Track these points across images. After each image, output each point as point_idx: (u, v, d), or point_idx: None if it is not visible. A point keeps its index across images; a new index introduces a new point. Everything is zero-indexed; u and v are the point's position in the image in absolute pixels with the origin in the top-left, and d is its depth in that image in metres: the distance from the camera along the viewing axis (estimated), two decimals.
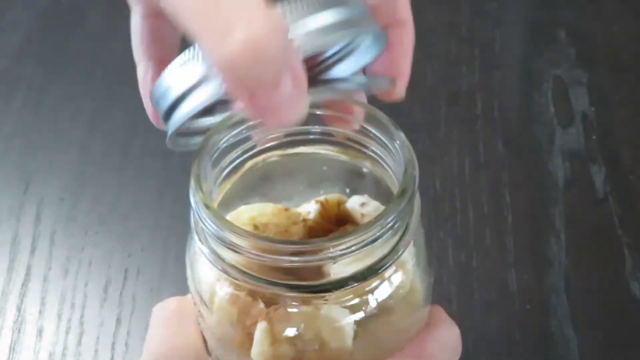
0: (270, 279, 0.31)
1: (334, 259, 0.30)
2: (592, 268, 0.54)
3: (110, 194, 0.60)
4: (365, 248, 0.30)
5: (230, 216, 0.37)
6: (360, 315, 0.33)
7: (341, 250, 0.30)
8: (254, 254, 0.30)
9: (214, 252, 0.32)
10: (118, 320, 0.52)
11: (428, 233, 0.56)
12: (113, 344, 0.51)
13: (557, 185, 0.58)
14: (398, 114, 0.65)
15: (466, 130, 0.62)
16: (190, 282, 0.36)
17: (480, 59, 0.68)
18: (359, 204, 0.37)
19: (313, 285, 0.31)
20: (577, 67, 0.66)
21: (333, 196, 0.38)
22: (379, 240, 0.31)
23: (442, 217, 0.57)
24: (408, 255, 0.34)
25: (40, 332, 0.52)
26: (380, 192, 0.37)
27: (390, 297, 0.33)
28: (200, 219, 0.31)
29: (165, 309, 0.37)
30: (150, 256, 0.56)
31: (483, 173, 0.59)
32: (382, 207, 0.37)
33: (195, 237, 0.33)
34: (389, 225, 0.31)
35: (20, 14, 0.70)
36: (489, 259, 0.54)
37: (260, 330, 0.32)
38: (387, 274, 0.33)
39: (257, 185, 0.37)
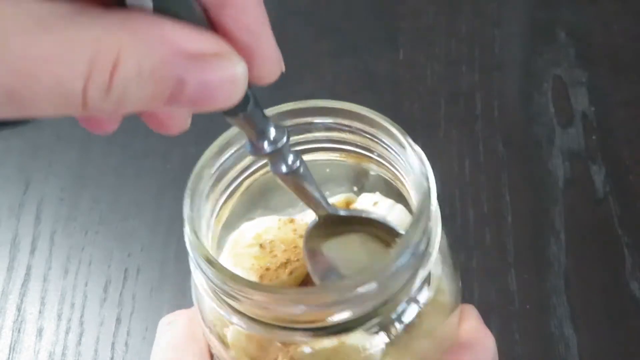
0: (283, 325, 0.29)
1: (350, 303, 0.28)
2: (592, 268, 0.54)
3: (110, 194, 0.60)
4: (385, 287, 0.28)
5: (233, 238, 0.35)
6: (386, 339, 0.31)
7: (358, 294, 0.27)
8: (262, 306, 0.28)
9: (220, 299, 0.29)
10: (118, 320, 0.52)
11: None
12: (113, 343, 0.51)
13: (557, 185, 0.58)
14: (398, 113, 0.65)
15: (466, 130, 0.62)
16: (198, 316, 0.33)
17: (480, 59, 0.68)
18: (372, 204, 0.35)
19: (330, 327, 0.28)
20: (576, 67, 0.66)
21: (340, 197, 0.36)
22: (399, 277, 0.28)
23: (442, 217, 0.56)
24: (434, 267, 0.32)
25: (40, 332, 0.52)
26: (391, 189, 0.35)
27: (417, 314, 0.31)
28: (203, 272, 0.29)
29: (174, 328, 0.34)
30: (150, 256, 0.56)
31: (483, 173, 0.59)
32: (396, 205, 0.35)
33: (197, 283, 0.30)
34: (407, 260, 0.28)
35: None
36: (489, 259, 0.54)
37: None
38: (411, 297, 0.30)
39: (256, 199, 0.35)
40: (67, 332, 0.52)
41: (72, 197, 0.60)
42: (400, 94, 0.65)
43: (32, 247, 0.57)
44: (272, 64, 0.24)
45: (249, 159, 0.33)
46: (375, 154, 0.34)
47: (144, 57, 0.19)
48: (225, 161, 0.32)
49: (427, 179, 0.30)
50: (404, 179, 0.33)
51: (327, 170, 0.35)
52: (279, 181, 0.29)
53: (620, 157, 0.60)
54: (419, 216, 0.29)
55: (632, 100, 0.64)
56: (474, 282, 0.53)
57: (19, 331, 0.52)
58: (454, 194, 0.58)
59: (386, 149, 0.33)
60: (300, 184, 0.29)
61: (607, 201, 0.57)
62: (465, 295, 0.53)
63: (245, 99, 0.24)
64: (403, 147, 0.32)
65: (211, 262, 0.28)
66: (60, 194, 0.60)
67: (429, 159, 0.64)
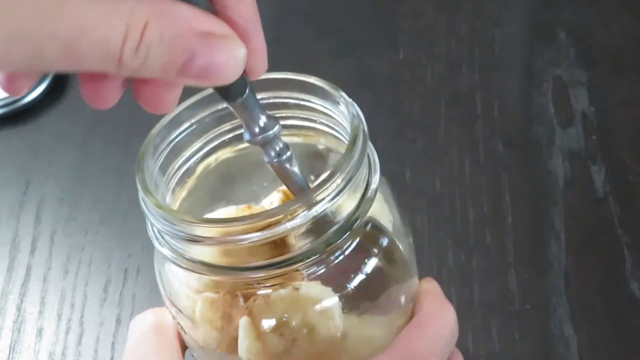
0: (237, 266, 0.30)
1: (296, 228, 0.29)
2: (592, 268, 0.54)
3: (110, 194, 0.60)
4: (325, 205, 0.29)
5: None
6: (343, 289, 0.31)
7: (301, 215, 0.29)
8: (215, 240, 0.29)
9: (176, 252, 0.31)
10: (118, 320, 0.52)
11: (428, 233, 0.57)
12: (113, 343, 0.51)
13: (557, 185, 0.58)
14: (398, 114, 0.66)
15: (466, 130, 0.62)
16: (165, 298, 0.35)
17: (480, 59, 0.68)
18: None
19: (282, 260, 0.30)
20: (577, 67, 0.66)
21: None
22: (340, 195, 0.30)
23: (442, 217, 0.57)
24: (380, 214, 0.33)
25: (40, 332, 0.52)
26: None
27: (371, 261, 0.32)
28: (156, 222, 0.30)
29: (143, 323, 0.36)
30: (150, 256, 0.55)
31: (483, 173, 0.59)
32: None
33: (156, 244, 0.32)
34: (346, 177, 0.30)
35: None
36: (489, 259, 0.54)
37: (242, 326, 0.31)
38: (358, 234, 0.31)
39: (218, 190, 0.36)
40: (67, 332, 0.52)
41: (72, 197, 0.60)
42: (400, 94, 0.65)
43: (32, 247, 0.57)
44: (262, 56, 0.28)
45: (200, 142, 0.35)
46: (318, 122, 0.35)
47: (165, 29, 0.24)
48: (177, 135, 0.34)
49: (358, 113, 0.32)
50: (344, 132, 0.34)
51: None
52: (270, 169, 0.31)
53: (620, 157, 0.60)
54: (354, 141, 0.31)
55: (632, 100, 0.64)
56: (474, 282, 0.53)
57: (19, 331, 0.52)
58: (454, 194, 0.58)
59: (326, 114, 0.34)
60: (287, 172, 0.31)
61: (607, 201, 0.57)
62: (465, 295, 0.53)
63: (244, 84, 0.28)
64: (337, 102, 0.33)
65: (161, 207, 0.30)
66: (60, 194, 0.60)
67: (429, 159, 0.65)
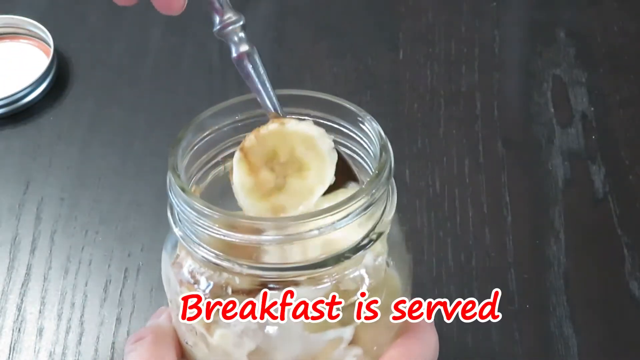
0: (247, 263, 0.30)
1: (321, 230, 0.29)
2: (591, 268, 0.54)
3: (110, 194, 0.60)
4: (356, 218, 0.29)
5: None
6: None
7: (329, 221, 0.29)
8: (243, 237, 0.29)
9: (195, 242, 0.31)
10: (118, 320, 0.52)
11: (428, 233, 0.57)
12: (113, 343, 0.51)
13: (556, 185, 0.58)
14: (398, 113, 0.66)
15: (466, 130, 0.62)
16: (174, 316, 0.35)
17: (480, 59, 0.68)
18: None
19: (296, 266, 0.30)
20: (576, 67, 0.66)
21: None
22: (367, 211, 0.30)
23: (442, 217, 0.57)
24: (381, 245, 0.33)
25: (40, 331, 0.52)
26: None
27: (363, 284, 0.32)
28: (182, 209, 0.30)
29: (141, 342, 0.36)
30: (150, 256, 0.56)
31: (483, 173, 0.59)
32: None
33: (178, 233, 0.32)
34: (367, 203, 0.30)
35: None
36: (489, 259, 0.54)
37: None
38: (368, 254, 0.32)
39: (219, 200, 0.36)
40: (67, 332, 0.52)
41: (72, 197, 0.60)
42: (400, 94, 0.65)
43: (32, 247, 0.57)
44: None
45: (216, 150, 0.35)
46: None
47: None
48: (201, 140, 0.34)
49: (387, 150, 0.32)
50: (364, 154, 0.34)
51: None
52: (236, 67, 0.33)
53: (620, 157, 0.60)
54: (382, 167, 0.31)
55: (632, 100, 0.64)
56: (474, 282, 0.53)
57: (19, 331, 0.52)
58: (454, 194, 0.58)
59: (343, 135, 0.34)
60: (247, 70, 0.33)
61: (607, 201, 0.57)
62: (465, 295, 0.53)
63: None
64: (362, 120, 0.33)
65: (184, 189, 0.30)
66: (60, 194, 0.60)
67: (429, 159, 0.64)
